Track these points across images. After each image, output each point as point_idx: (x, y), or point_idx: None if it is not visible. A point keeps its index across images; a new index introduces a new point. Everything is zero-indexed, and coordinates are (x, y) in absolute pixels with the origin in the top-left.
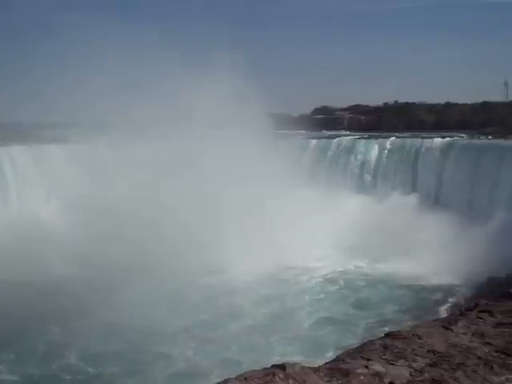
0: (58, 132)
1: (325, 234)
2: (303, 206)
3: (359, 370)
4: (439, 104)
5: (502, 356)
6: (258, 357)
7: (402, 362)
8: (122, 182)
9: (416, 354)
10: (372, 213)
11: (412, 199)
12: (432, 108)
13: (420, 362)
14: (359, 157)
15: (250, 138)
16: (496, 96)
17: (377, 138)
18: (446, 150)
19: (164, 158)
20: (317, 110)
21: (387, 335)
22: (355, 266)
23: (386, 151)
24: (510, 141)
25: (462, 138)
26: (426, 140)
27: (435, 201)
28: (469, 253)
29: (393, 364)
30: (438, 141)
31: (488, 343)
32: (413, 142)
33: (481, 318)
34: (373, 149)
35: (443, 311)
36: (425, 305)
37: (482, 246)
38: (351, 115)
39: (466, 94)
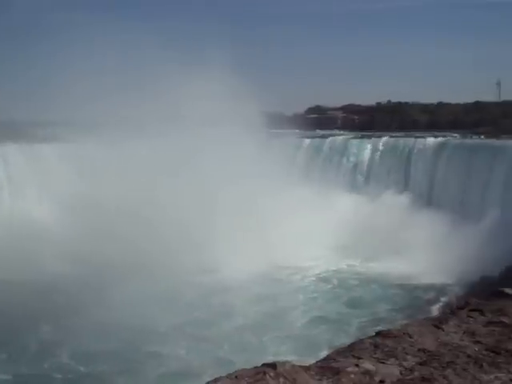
0: (50, 131)
1: (318, 233)
2: (296, 205)
3: (350, 369)
4: (432, 104)
5: (492, 354)
6: (250, 356)
7: (392, 360)
8: (115, 181)
9: (406, 353)
10: (365, 212)
11: (405, 198)
12: (425, 108)
13: (410, 361)
14: (352, 156)
15: (244, 136)
16: (488, 96)
17: (370, 137)
18: (438, 149)
19: (158, 156)
20: (310, 110)
21: (378, 334)
22: (348, 265)
23: (379, 151)
24: (502, 140)
25: (454, 138)
26: (418, 140)
27: (428, 200)
28: (461, 252)
29: (383, 362)
30: (430, 140)
31: (478, 342)
32: (406, 141)
33: (471, 317)
34: (366, 148)
35: (435, 310)
36: (417, 304)
37: (475, 244)
38: (344, 115)
39: (458, 94)
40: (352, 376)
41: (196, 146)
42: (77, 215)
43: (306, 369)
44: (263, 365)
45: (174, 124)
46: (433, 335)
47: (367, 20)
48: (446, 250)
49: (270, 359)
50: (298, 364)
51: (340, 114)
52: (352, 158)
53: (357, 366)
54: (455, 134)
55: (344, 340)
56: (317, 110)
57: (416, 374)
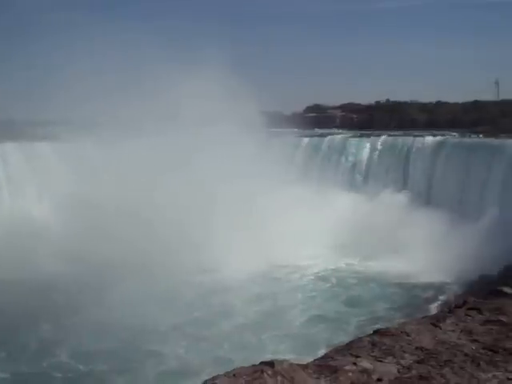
0: (49, 130)
1: (316, 231)
2: (295, 204)
3: (347, 367)
4: (431, 103)
5: (490, 353)
6: (249, 355)
7: (390, 358)
8: (114, 180)
9: (404, 351)
10: (363, 211)
11: (403, 197)
12: (424, 107)
13: (408, 359)
14: (351, 155)
15: (243, 135)
16: (487, 95)
17: (368, 136)
18: (437, 148)
19: (157, 155)
20: (309, 109)
21: (376, 332)
22: (347, 263)
23: (378, 150)
24: (500, 139)
25: (453, 137)
26: (417, 138)
27: (426, 199)
28: (460, 250)
29: (381, 361)
30: (429, 139)
31: (475, 340)
32: (404, 140)
33: (469, 316)
34: (364, 147)
35: (434, 309)
36: (416, 302)
37: (474, 243)
38: (343, 113)
39: (457, 93)
40: (350, 374)
41: (195, 146)
42: (76, 214)
43: (304, 367)
44: (261, 363)
45: (173, 123)
46: (430, 333)
47: (366, 20)
48: (444, 248)
49: (268, 358)
50: (296, 362)
51: (339, 113)
52: (350, 157)
53: (354, 364)
54: (454, 133)
55: (342, 338)
56: (316, 108)
57: (413, 372)
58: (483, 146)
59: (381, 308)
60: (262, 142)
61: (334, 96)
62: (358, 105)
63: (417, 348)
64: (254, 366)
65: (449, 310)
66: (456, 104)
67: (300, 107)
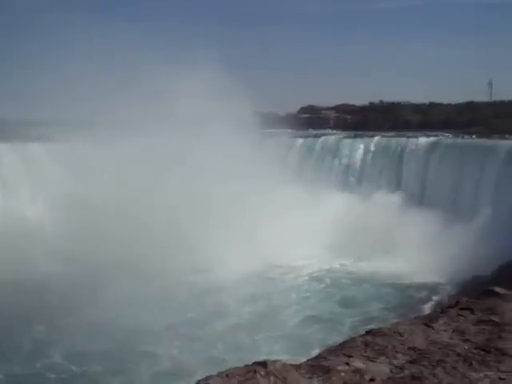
0: (43, 130)
1: (310, 232)
2: (289, 205)
3: (340, 367)
4: (424, 104)
5: (482, 353)
6: (243, 355)
7: (382, 358)
8: (108, 181)
9: (396, 351)
10: (357, 211)
11: (397, 198)
12: (417, 108)
13: (400, 359)
14: (344, 156)
15: (237, 136)
16: (480, 96)
17: (362, 137)
18: (430, 149)
19: (151, 156)
20: (303, 109)
21: (368, 332)
22: (341, 264)
23: (371, 150)
24: (493, 140)
25: (446, 138)
26: (411, 139)
27: (420, 199)
28: (454, 251)
29: (373, 361)
30: (422, 140)
31: (468, 340)
32: (398, 141)
33: (462, 316)
34: (358, 148)
35: (427, 309)
36: (409, 303)
37: (467, 243)
38: (337, 114)
39: (450, 94)
40: (342, 374)
41: (189, 146)
42: (70, 215)
43: (297, 367)
44: (254, 363)
45: (167, 124)
46: (423, 334)
47: (360, 20)
48: (438, 249)
49: (262, 358)
50: (289, 362)
51: (333, 114)
52: (344, 158)
53: (347, 364)
54: (447, 134)
55: (336, 339)
56: (310, 109)
57: (406, 372)
58: (476, 146)
59: (375, 308)
60: (256, 142)
61: (328, 97)
62: (352, 106)
63: (409, 348)
64: (246, 366)
65: (441, 310)
66: (449, 105)
67: (294, 108)
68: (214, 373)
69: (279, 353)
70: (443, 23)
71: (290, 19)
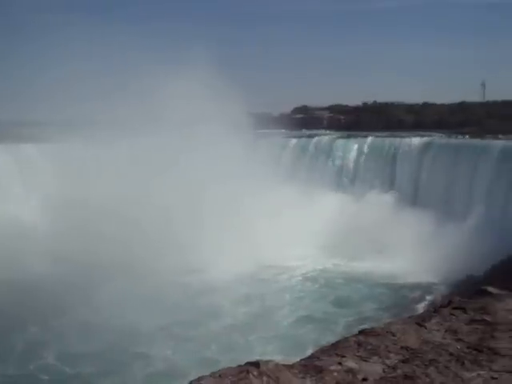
0: (36, 130)
1: (304, 232)
2: (283, 205)
3: (333, 367)
4: (417, 104)
5: (474, 352)
6: (237, 356)
7: (375, 358)
8: (101, 181)
9: (389, 351)
10: (351, 211)
11: (390, 198)
12: (410, 108)
13: (393, 359)
14: (338, 156)
15: (231, 136)
16: (474, 96)
17: (356, 137)
18: (423, 149)
19: (145, 156)
20: (297, 110)
21: (361, 332)
22: (334, 264)
23: (365, 150)
24: (486, 140)
25: (439, 138)
26: (404, 139)
27: (413, 199)
28: (447, 250)
29: (366, 361)
30: (416, 140)
31: (460, 340)
32: (391, 141)
33: (454, 315)
34: (352, 148)
35: (421, 309)
36: (403, 303)
37: (461, 243)
38: (331, 115)
39: (444, 95)
40: (335, 374)
41: (182, 147)
42: (63, 215)
43: (290, 367)
44: (247, 363)
45: (161, 124)
46: (415, 333)
47: (353, 21)
48: (431, 248)
49: (255, 359)
50: (282, 362)
51: (326, 114)
52: (338, 158)
53: (340, 364)
54: (440, 134)
55: (330, 339)
56: (303, 110)
57: (398, 371)
58: (469, 146)
59: (368, 308)
60: (249, 142)
61: (322, 97)
62: (346, 106)
63: (402, 348)
64: (239, 366)
65: (434, 309)
66: (443, 105)
67: (288, 108)
68: (207, 373)
69: (273, 353)
70: (437, 24)
71: (282, 20)
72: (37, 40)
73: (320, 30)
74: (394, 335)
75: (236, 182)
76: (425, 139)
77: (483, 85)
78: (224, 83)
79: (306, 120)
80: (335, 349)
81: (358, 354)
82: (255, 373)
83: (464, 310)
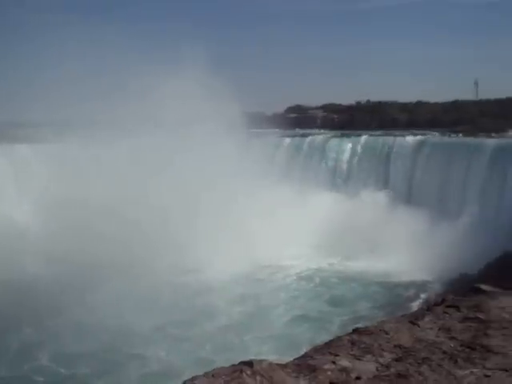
0: (31, 131)
1: (299, 231)
2: (277, 204)
3: (326, 366)
4: (411, 103)
5: (467, 350)
6: (232, 356)
7: (368, 357)
8: (97, 181)
9: (383, 349)
10: (345, 210)
11: (384, 196)
12: (404, 107)
13: (386, 357)
14: (332, 155)
15: (225, 136)
16: (467, 95)
17: (349, 136)
18: (417, 147)
19: (140, 156)
20: (290, 109)
21: (355, 331)
22: (329, 263)
23: (359, 149)
24: (479, 138)
25: (433, 136)
26: (398, 138)
27: (407, 198)
28: (441, 249)
29: (360, 359)
30: (409, 139)
31: (453, 338)
32: (385, 140)
33: (447, 313)
34: (345, 147)
35: (415, 307)
36: (397, 301)
37: (454, 241)
38: (324, 114)
39: (437, 93)
40: (329, 373)
41: (177, 147)
42: (58, 215)
43: (283, 366)
44: (240, 363)
45: (155, 124)
46: (409, 331)
47: (347, 20)
48: (425, 247)
49: (249, 358)
50: (275, 362)
51: (320, 113)
52: (332, 157)
53: (333, 363)
54: (434, 133)
55: (325, 338)
56: (297, 109)
57: (392, 370)
58: (463, 145)
59: (363, 307)
60: (243, 142)
61: (315, 96)
62: (339, 105)
63: (395, 346)
64: (233, 365)
65: (427, 307)
66: (436, 104)
67: (281, 107)
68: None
69: (268, 353)
70: (429, 22)
71: (275, 20)
72: (35, 40)
73: (312, 30)
74: (387, 334)
75: (230, 181)
76: (418, 138)
77: (476, 83)
78: (220, 83)
79: (299, 119)
80: (329, 348)
81: (351, 352)
82: (248, 372)
83: (457, 308)
